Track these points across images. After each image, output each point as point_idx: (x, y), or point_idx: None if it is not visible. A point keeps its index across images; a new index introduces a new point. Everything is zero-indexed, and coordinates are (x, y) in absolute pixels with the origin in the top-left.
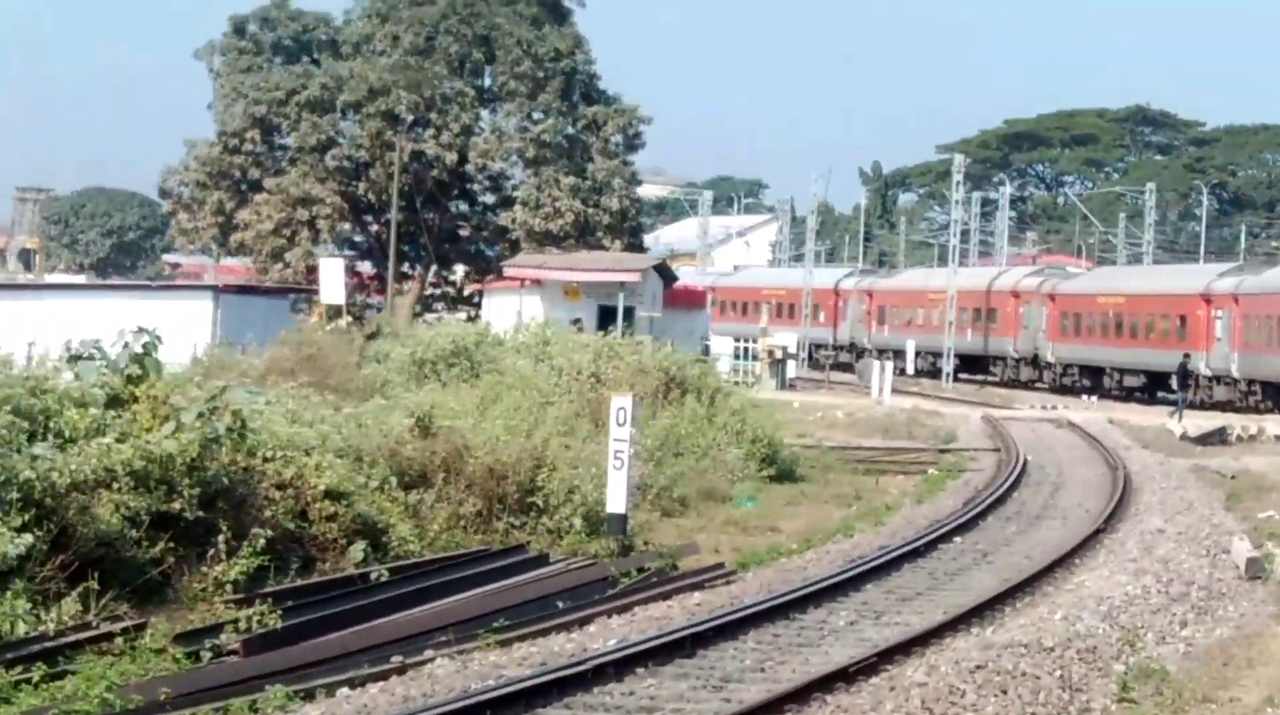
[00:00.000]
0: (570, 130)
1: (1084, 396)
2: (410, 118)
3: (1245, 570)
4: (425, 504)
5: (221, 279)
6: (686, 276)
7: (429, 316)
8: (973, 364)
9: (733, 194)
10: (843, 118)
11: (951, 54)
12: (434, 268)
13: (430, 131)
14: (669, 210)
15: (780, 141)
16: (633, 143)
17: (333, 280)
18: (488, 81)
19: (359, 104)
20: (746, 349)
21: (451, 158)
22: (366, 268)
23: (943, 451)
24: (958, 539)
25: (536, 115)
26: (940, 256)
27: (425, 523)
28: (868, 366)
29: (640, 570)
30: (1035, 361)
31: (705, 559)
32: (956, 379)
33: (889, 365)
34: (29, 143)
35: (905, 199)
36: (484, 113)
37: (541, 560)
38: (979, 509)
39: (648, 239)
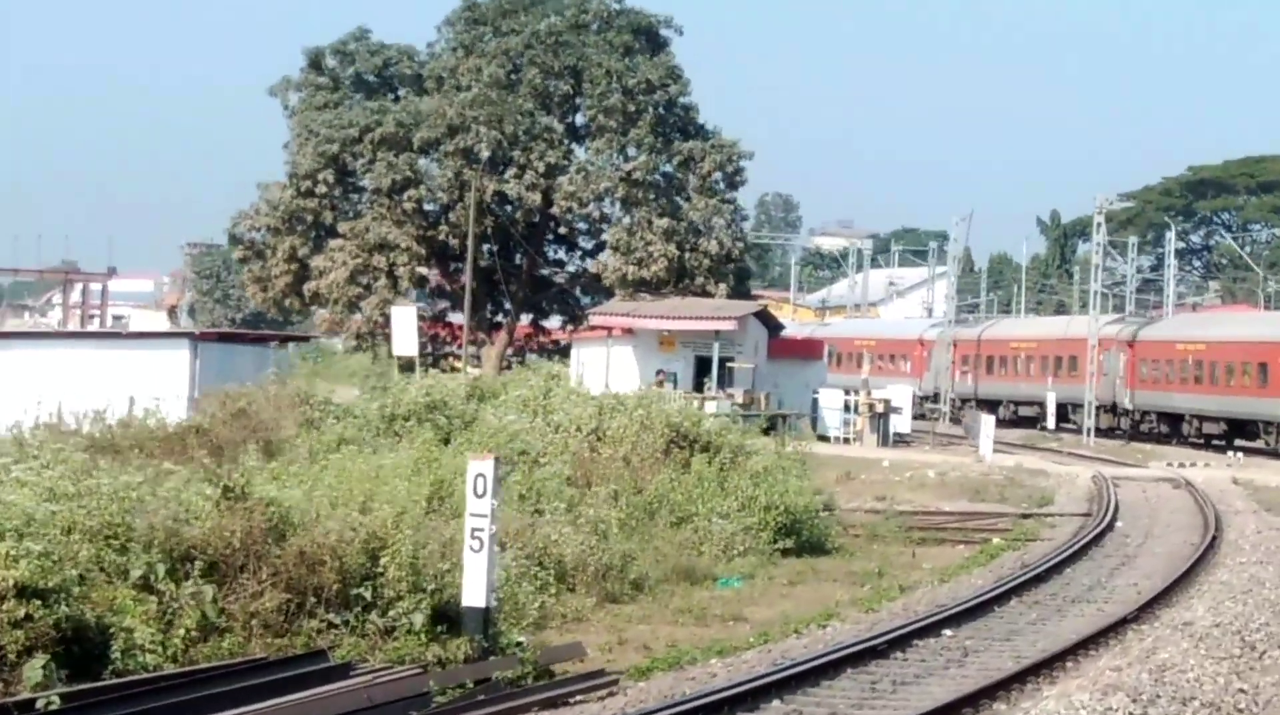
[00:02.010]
0: (666, 168)
1: (1230, 452)
2: (490, 155)
3: None
4: (204, 598)
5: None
6: (805, 329)
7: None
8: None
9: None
10: (1024, 167)
11: (1135, 100)
12: (529, 317)
13: (513, 170)
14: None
15: (963, 192)
16: (734, 180)
17: (404, 330)
18: (580, 119)
19: (437, 142)
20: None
21: (535, 199)
22: (458, 318)
23: (1025, 516)
24: (947, 631)
25: (629, 152)
26: (1118, 306)
27: (180, 624)
28: (975, 420)
29: (480, 682)
30: (1114, 409)
31: (596, 661)
32: (1059, 427)
33: (991, 419)
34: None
35: (1085, 248)
36: (576, 149)
37: (342, 671)
38: (1008, 587)
39: (827, 293)
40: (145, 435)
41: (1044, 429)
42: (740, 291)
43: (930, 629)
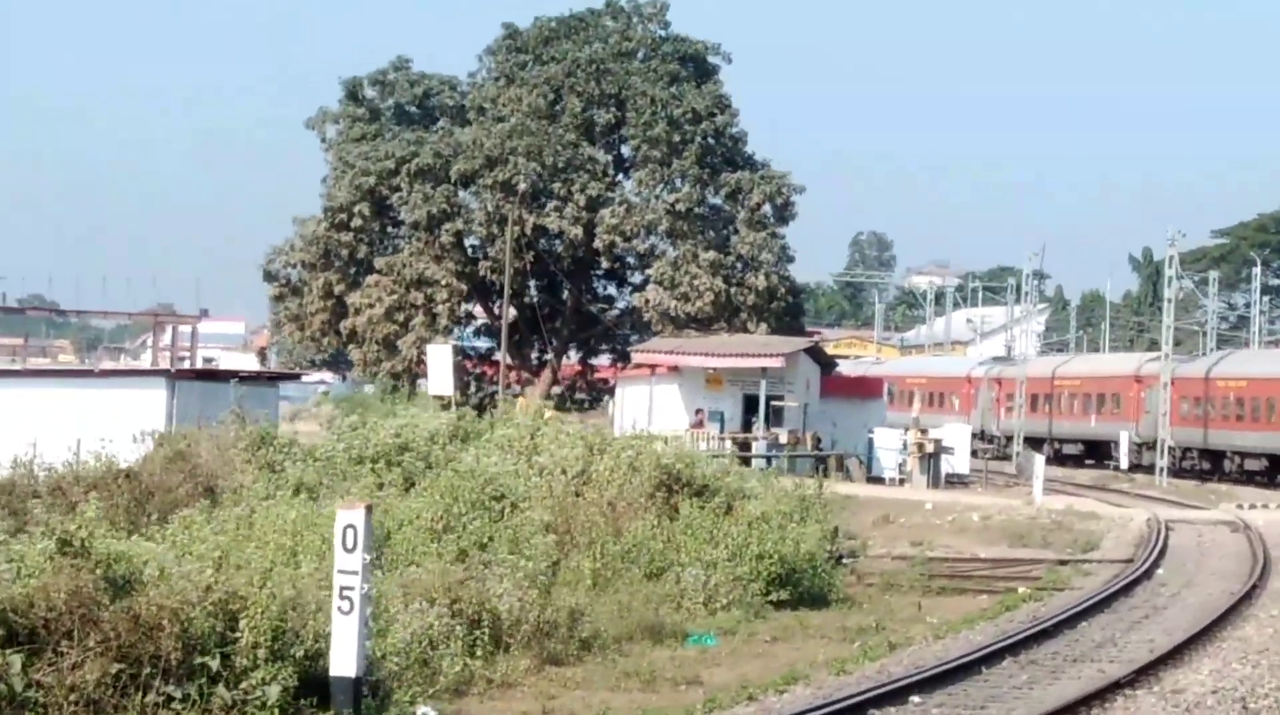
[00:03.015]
0: (714, 200)
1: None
2: (530, 188)
3: None
4: (10, 670)
5: None
6: (858, 367)
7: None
8: (1094, 450)
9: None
10: (1120, 205)
11: (1230, 136)
12: (578, 355)
13: (553, 203)
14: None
15: (1058, 230)
16: (783, 213)
17: (440, 368)
18: (626, 151)
19: (476, 173)
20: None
21: (576, 232)
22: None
23: (1062, 563)
24: (915, 698)
25: (675, 183)
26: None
27: None
28: (1028, 460)
29: None
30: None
31: None
32: (1083, 463)
33: (1040, 459)
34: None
35: (1182, 285)
36: (622, 181)
37: None
38: (1007, 644)
39: (916, 332)
40: (69, 480)
41: (1117, 469)
42: (791, 328)
43: (898, 694)
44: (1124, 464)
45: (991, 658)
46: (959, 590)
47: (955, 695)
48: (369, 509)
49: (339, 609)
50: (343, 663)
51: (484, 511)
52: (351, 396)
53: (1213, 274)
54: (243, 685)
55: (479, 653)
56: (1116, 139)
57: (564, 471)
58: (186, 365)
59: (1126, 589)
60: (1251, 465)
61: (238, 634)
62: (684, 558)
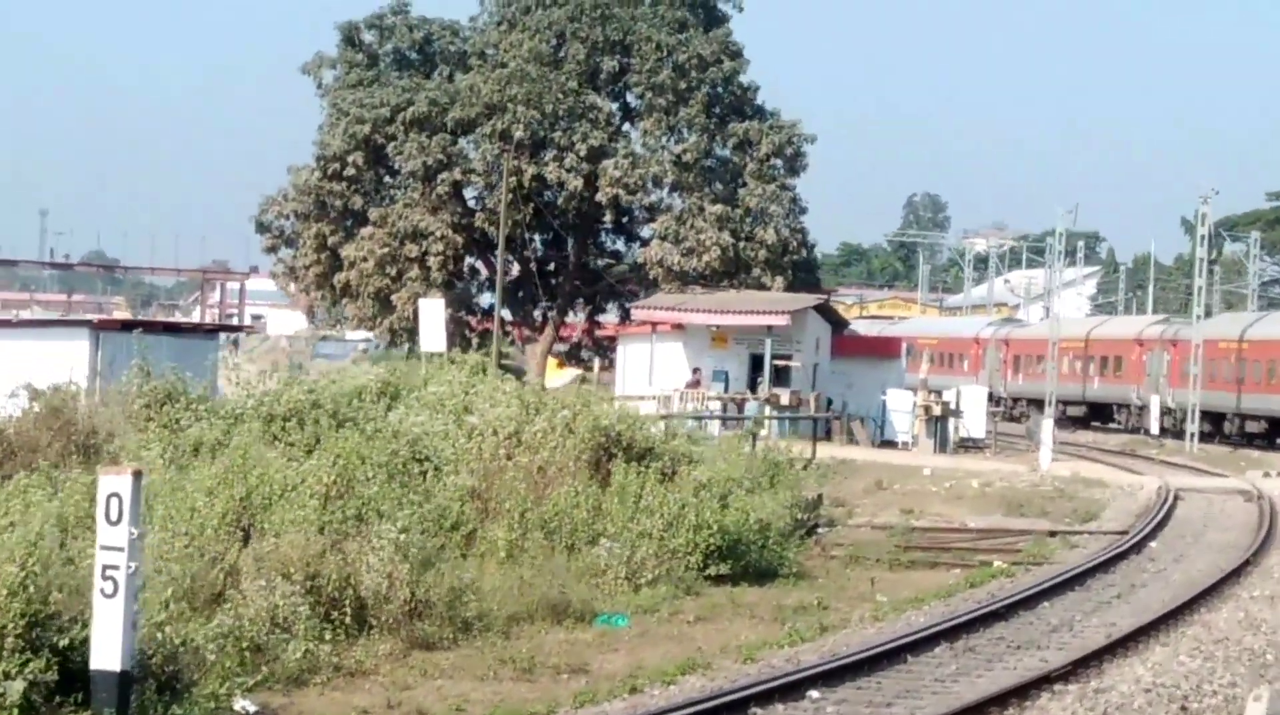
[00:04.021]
0: (721, 152)
1: None
2: (530, 137)
3: None
4: None
5: None
6: (873, 327)
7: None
8: (1095, 412)
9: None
10: (1172, 168)
11: None
12: (586, 312)
13: (552, 153)
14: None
15: (1114, 192)
16: (794, 164)
17: (433, 324)
18: (631, 100)
19: (474, 122)
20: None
21: (577, 183)
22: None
23: (1053, 534)
24: (814, 692)
25: (681, 133)
26: (1267, 306)
27: None
28: (1036, 425)
29: None
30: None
31: None
32: (1089, 426)
33: (1049, 422)
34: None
35: (1233, 248)
36: (628, 131)
37: None
38: (948, 627)
39: (965, 295)
40: None
41: (1147, 434)
42: (808, 286)
43: (795, 688)
44: (1154, 429)
45: (925, 643)
46: (931, 564)
47: (865, 689)
48: (138, 475)
49: (101, 591)
50: (105, 654)
51: (397, 476)
52: (389, 354)
53: (1254, 235)
54: None
55: (340, 636)
56: (1177, 102)
57: (495, 432)
58: (235, 322)
59: (1108, 564)
60: (1252, 427)
61: None
62: (611, 528)
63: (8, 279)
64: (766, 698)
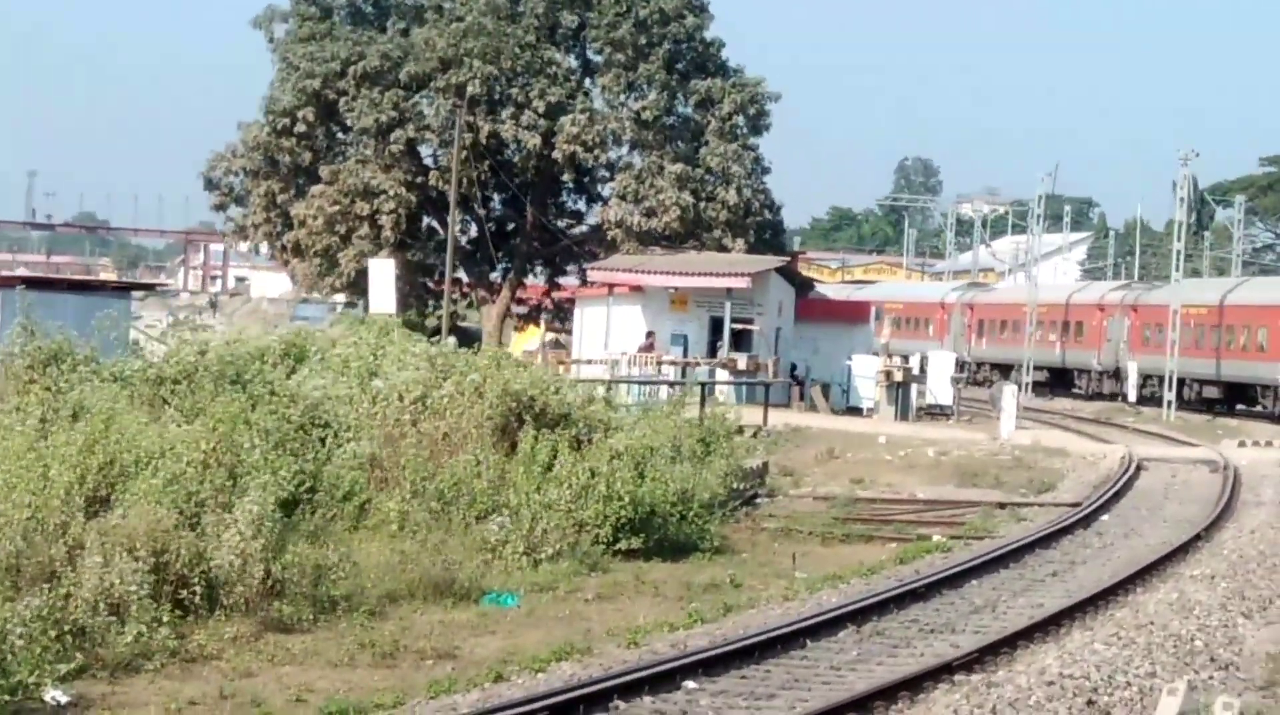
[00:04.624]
0: (683, 110)
1: None
2: (486, 93)
3: None
4: None
5: None
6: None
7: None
8: (1057, 378)
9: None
10: (1165, 132)
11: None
12: (545, 274)
13: (509, 110)
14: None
15: (1107, 158)
16: (757, 123)
17: (382, 284)
18: (591, 55)
19: (428, 77)
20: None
21: (534, 141)
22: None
23: (1002, 506)
24: (690, 683)
25: (641, 90)
26: (1263, 271)
27: None
28: (999, 392)
29: None
30: (1117, 374)
31: None
32: (1049, 391)
33: (1012, 389)
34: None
35: (1225, 215)
36: (589, 88)
37: None
38: (858, 608)
39: (954, 260)
40: None
41: (1124, 400)
42: (772, 248)
43: (668, 676)
44: (1132, 396)
45: (828, 627)
46: (867, 537)
47: (749, 679)
48: None
49: None
50: None
51: (288, 443)
52: (365, 318)
53: (1239, 199)
54: None
55: (188, 618)
56: (1174, 68)
57: (400, 397)
58: (219, 285)
59: (1051, 538)
60: (1210, 392)
61: None
62: (514, 499)
63: None
64: (634, 689)
